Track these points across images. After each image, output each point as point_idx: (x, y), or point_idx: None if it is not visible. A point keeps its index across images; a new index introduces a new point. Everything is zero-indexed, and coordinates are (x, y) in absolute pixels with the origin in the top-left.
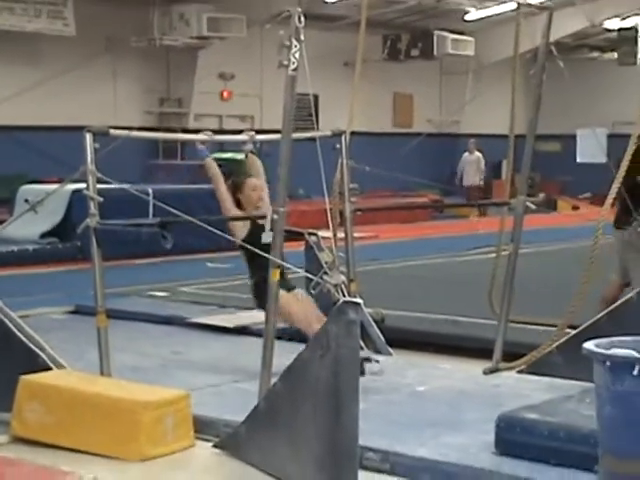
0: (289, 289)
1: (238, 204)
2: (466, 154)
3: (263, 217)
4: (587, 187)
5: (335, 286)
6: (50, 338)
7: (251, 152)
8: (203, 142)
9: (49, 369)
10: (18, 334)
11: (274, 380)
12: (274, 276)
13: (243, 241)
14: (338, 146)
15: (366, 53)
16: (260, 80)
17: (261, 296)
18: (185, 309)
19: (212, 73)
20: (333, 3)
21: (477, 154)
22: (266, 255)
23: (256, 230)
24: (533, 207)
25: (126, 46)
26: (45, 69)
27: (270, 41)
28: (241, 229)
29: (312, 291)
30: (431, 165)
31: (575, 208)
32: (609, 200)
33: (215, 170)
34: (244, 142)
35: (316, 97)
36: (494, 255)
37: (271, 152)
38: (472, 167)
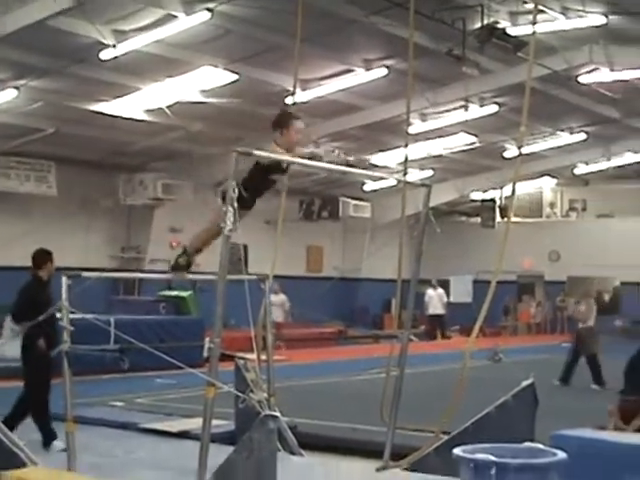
0: None
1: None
2: (272, 295)
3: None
4: (457, 321)
5: (258, 402)
6: (27, 439)
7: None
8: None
9: (25, 465)
10: (0, 436)
11: (208, 476)
12: (209, 393)
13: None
14: (263, 287)
15: (285, 214)
16: None
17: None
18: (138, 417)
19: (164, 227)
20: None
21: (282, 296)
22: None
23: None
24: (415, 339)
25: (97, 205)
26: (33, 222)
27: (211, 202)
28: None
29: (240, 405)
30: (337, 302)
31: (448, 337)
32: (475, 331)
33: None
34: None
35: (245, 247)
36: (384, 375)
37: (206, 289)
38: (276, 307)
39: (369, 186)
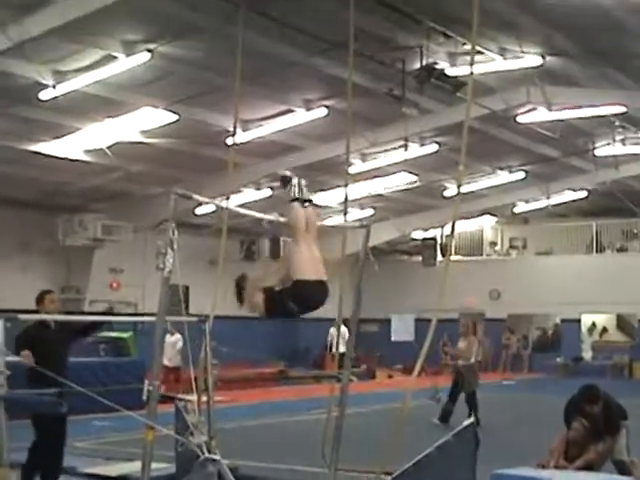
0: None
1: None
2: (167, 335)
3: None
4: (399, 360)
5: (198, 445)
6: None
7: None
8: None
9: None
10: None
11: None
12: (148, 436)
13: None
14: (204, 328)
15: (226, 254)
16: (142, 273)
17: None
18: (77, 461)
19: (104, 268)
20: (202, 215)
21: (177, 335)
22: None
23: None
24: (355, 379)
25: (35, 246)
26: None
27: (152, 243)
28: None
29: (179, 448)
30: (278, 342)
31: (390, 377)
32: (416, 370)
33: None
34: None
35: (187, 288)
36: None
37: (147, 330)
38: (171, 348)
39: None
